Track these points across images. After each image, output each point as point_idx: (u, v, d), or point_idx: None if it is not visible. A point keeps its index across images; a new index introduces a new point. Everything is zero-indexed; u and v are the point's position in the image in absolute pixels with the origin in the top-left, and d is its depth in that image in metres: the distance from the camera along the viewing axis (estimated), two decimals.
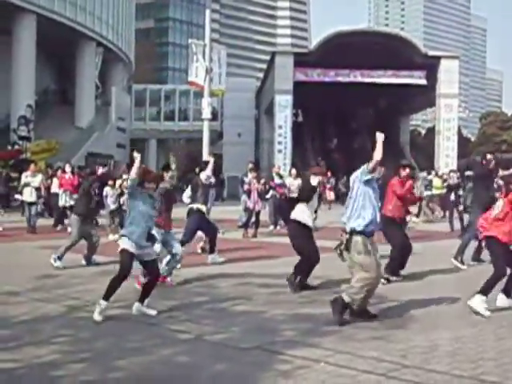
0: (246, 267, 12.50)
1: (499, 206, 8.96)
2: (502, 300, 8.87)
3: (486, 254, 10.71)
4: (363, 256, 7.91)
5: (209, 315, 8.31)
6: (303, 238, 10.20)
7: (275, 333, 7.37)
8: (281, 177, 21.84)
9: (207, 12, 25.85)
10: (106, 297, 8.06)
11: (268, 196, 20.87)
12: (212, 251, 12.98)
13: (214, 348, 6.81)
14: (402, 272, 11.33)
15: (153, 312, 8.30)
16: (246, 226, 18.98)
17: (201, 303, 9.09)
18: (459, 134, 60.55)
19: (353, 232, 7.98)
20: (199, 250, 14.52)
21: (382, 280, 10.55)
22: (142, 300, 8.40)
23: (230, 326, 7.66)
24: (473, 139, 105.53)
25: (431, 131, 70.79)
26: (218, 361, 6.32)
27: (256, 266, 12.78)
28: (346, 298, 7.90)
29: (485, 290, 8.57)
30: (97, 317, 7.90)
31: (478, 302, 8.47)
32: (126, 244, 8.19)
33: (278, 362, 6.26)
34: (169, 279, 10.53)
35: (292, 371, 5.94)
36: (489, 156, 14.13)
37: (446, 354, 6.53)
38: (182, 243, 11.57)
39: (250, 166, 20.45)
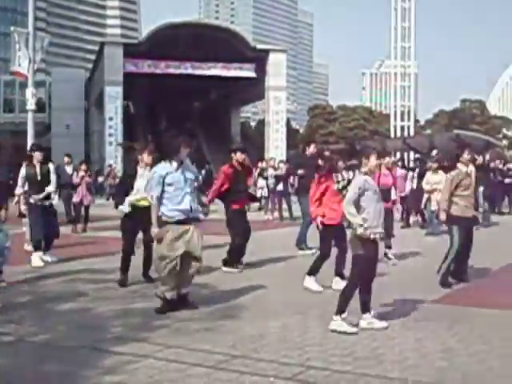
0: (74, 264, 12.12)
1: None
2: (337, 283, 9.21)
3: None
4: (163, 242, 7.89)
5: (33, 315, 7.95)
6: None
7: (104, 330, 7.17)
8: None
9: None
10: None
11: None
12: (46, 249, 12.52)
13: (38, 349, 6.52)
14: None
15: None
16: (74, 221, 18.44)
17: (25, 303, 8.68)
18: (288, 125, 62.19)
19: None
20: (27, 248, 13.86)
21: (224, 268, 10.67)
22: None
23: (56, 326, 7.37)
24: (301, 131, 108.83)
25: (261, 123, 72.25)
26: (42, 362, 6.04)
27: (85, 262, 12.40)
28: (159, 293, 8.07)
29: (312, 271, 9.25)
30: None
31: (309, 282, 9.16)
32: None
33: (105, 359, 6.08)
34: None
35: (120, 368, 5.79)
36: None
37: (274, 341, 6.63)
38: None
39: (66, 159, 19.66)
